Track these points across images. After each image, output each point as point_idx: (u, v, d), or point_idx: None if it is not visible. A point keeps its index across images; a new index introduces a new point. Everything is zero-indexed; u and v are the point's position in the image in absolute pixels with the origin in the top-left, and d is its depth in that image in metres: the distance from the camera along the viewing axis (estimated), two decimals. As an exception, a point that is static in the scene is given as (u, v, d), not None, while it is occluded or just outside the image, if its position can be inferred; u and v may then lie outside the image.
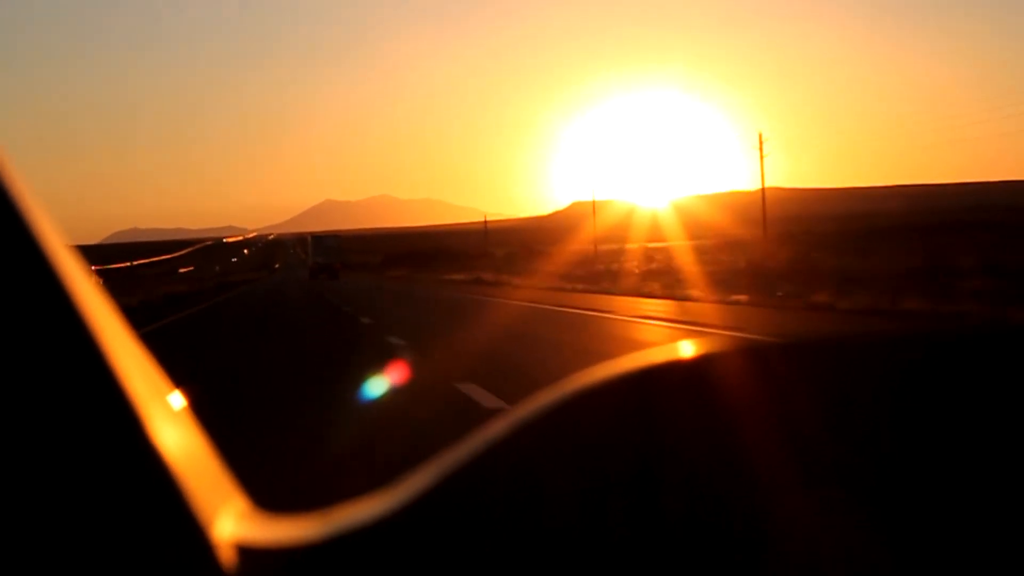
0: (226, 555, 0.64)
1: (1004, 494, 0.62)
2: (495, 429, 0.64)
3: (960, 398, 0.64)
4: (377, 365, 11.34)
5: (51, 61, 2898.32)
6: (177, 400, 0.76)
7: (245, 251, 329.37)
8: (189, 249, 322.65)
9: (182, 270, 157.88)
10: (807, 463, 0.62)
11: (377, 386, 9.92)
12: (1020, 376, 0.65)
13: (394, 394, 9.55)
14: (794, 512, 0.61)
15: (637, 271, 40.24)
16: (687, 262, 38.64)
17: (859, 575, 0.61)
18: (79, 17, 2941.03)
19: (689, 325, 16.50)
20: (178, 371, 1.41)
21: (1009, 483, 0.62)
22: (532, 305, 24.84)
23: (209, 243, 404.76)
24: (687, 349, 0.66)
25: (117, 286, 40.71)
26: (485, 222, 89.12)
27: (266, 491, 1.10)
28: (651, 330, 16.40)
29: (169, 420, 0.69)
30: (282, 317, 26.17)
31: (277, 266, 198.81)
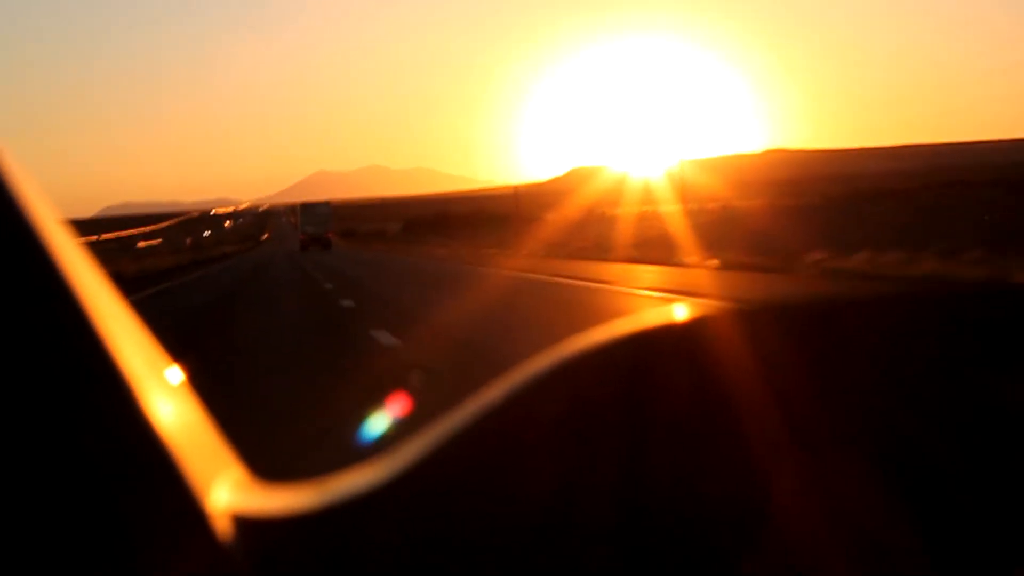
0: (221, 525, 0.64)
1: (1000, 454, 0.61)
2: (490, 395, 0.63)
3: (954, 357, 0.64)
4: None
5: (43, 37, 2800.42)
6: (175, 374, 0.76)
7: (227, 223, 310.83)
8: (171, 221, 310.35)
9: (142, 244, 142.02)
10: (802, 427, 0.62)
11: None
12: (1012, 335, 0.64)
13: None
14: (789, 476, 0.61)
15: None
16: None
17: (855, 540, 0.60)
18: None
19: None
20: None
21: (1004, 442, 0.61)
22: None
23: (195, 215, 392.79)
24: (680, 312, 0.65)
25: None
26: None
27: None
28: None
29: (164, 391, 0.69)
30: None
31: (265, 236, 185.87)
